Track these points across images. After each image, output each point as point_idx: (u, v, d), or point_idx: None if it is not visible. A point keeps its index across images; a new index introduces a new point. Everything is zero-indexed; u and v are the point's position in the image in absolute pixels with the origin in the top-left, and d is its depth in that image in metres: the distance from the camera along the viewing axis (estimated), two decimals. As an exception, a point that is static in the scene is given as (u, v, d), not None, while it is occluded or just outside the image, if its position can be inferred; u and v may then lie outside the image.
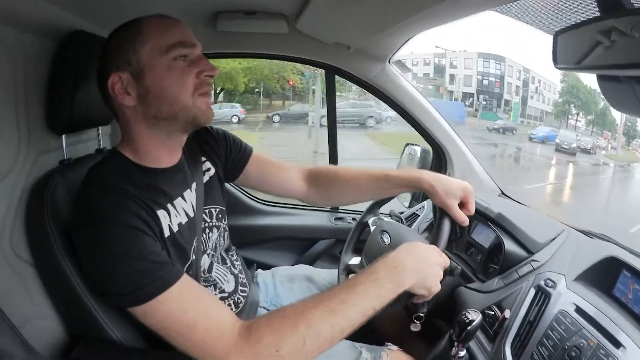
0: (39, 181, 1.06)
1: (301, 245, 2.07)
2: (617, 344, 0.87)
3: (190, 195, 1.10)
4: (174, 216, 1.01)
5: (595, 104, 25.83)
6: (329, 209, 2.20)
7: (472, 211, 1.18)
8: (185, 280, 0.89)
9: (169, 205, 1.00)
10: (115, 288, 0.86)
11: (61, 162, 1.17)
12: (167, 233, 0.97)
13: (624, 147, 23.98)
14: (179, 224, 1.02)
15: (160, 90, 0.94)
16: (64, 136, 1.17)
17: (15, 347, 0.83)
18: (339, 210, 2.19)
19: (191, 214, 1.08)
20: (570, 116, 28.44)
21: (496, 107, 28.20)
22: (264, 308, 1.39)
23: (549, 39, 0.86)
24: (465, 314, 0.99)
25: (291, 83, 20.05)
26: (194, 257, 1.06)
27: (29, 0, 0.97)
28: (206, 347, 0.84)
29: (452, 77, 29.09)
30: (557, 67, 0.87)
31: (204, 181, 1.19)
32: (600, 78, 0.83)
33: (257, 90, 20.10)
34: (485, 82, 28.46)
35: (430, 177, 1.19)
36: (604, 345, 0.87)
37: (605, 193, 14.78)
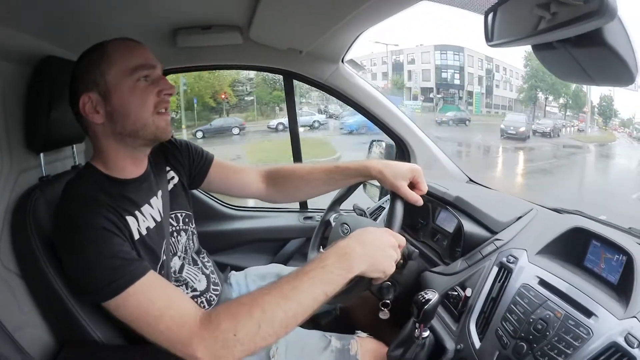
0: (21, 197, 1.12)
1: (273, 246, 2.10)
2: (588, 313, 0.88)
3: (157, 201, 1.17)
4: (142, 221, 1.07)
5: (566, 86, 25.53)
6: (298, 209, 2.23)
7: (424, 190, 1.20)
8: (152, 275, 0.96)
9: (136, 212, 1.07)
10: (91, 285, 0.92)
11: (40, 179, 1.23)
12: (136, 236, 1.04)
13: (602, 127, 23.85)
14: (147, 228, 1.08)
15: (124, 109, 1.02)
16: (42, 155, 1.24)
17: (11, 352, 0.90)
18: (308, 210, 2.22)
19: (158, 219, 1.14)
20: (543, 102, 28.32)
21: (458, 100, 27.75)
22: None
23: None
24: (422, 294, 1.01)
25: (223, 97, 20.47)
26: (164, 257, 1.12)
27: (3, 30, 1.04)
28: (172, 335, 0.89)
29: (410, 73, 28.48)
30: (489, 45, 0.89)
31: (169, 189, 1.25)
32: (536, 48, 0.85)
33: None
34: (445, 74, 27.86)
35: (379, 164, 1.23)
36: (573, 316, 0.88)
37: (560, 178, 13.51)
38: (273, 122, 19.31)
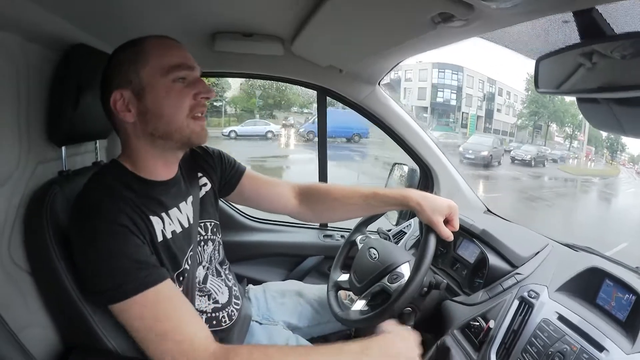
0: (38, 190, 1.08)
1: (291, 262, 2.09)
2: (600, 347, 0.92)
3: (186, 207, 1.14)
4: (167, 224, 1.05)
5: (572, 116, 24.65)
6: (317, 227, 2.23)
7: (457, 227, 1.24)
8: (167, 286, 0.92)
9: (163, 214, 1.04)
10: (98, 284, 0.89)
11: (60, 173, 1.19)
12: (159, 238, 1.01)
13: (609, 162, 22.80)
14: (173, 232, 1.06)
15: (158, 109, 0.98)
16: (63, 147, 1.20)
17: (15, 353, 0.84)
18: (328, 228, 2.23)
19: (186, 225, 1.12)
20: (545, 129, 27.07)
21: (453, 122, 26.95)
22: (257, 322, 1.41)
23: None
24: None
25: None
26: (187, 266, 1.09)
27: (35, 10, 0.99)
28: (175, 359, 0.85)
29: (405, 90, 27.60)
30: (538, 92, 0.94)
31: (200, 196, 1.23)
32: (580, 100, 0.90)
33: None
34: (441, 94, 26.86)
35: (418, 195, 1.24)
36: (587, 350, 0.93)
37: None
38: (226, 130, 19.81)
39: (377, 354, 0.92)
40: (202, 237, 1.20)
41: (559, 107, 25.76)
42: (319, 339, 1.56)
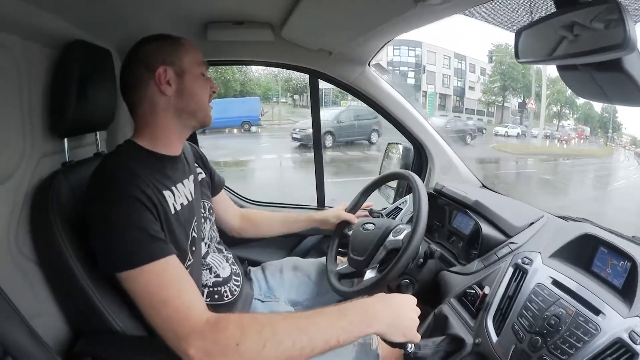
0: (43, 181, 1.12)
1: (290, 242, 2.11)
2: (596, 311, 0.95)
3: (189, 183, 1.24)
4: (177, 197, 1.13)
5: (559, 92, 22.46)
6: (315, 207, 2.26)
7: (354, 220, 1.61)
8: (172, 260, 0.98)
9: (173, 188, 1.13)
10: (110, 253, 0.95)
11: (63, 164, 1.22)
12: (172, 211, 1.08)
13: (609, 143, 21.08)
14: (181, 204, 1.14)
15: (193, 90, 1.15)
16: (66, 139, 1.24)
17: (27, 340, 0.85)
18: (326, 208, 2.23)
19: (190, 199, 1.20)
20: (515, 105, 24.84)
21: (414, 102, 25.63)
22: (259, 300, 1.48)
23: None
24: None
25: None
26: (194, 234, 1.19)
27: (32, 10, 1.03)
28: (172, 324, 0.90)
29: None
30: (519, 61, 0.97)
31: (199, 179, 1.33)
32: (561, 68, 0.92)
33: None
34: (397, 72, 24.53)
35: (320, 214, 1.69)
36: (583, 313, 0.95)
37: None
38: None
39: (355, 314, 0.96)
40: (201, 214, 1.28)
41: (530, 81, 23.85)
42: None
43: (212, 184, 1.50)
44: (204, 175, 1.41)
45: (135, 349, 1.07)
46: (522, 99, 24.51)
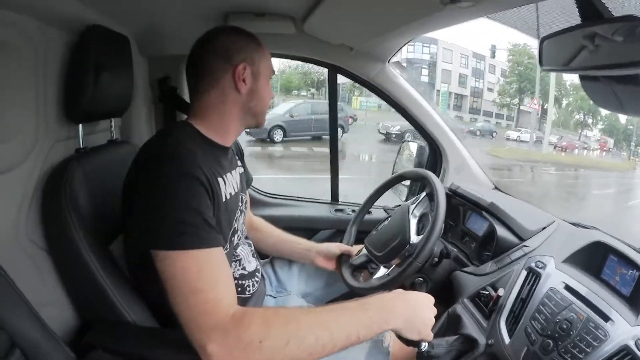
0: (56, 167, 1.11)
1: (302, 236, 2.03)
2: (605, 318, 0.95)
3: (236, 174, 1.25)
4: (228, 186, 1.13)
5: (582, 98, 20.75)
6: (329, 201, 2.26)
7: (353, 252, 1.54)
8: (218, 252, 0.94)
9: (224, 176, 1.13)
10: (159, 228, 0.90)
11: (77, 151, 1.22)
12: (223, 199, 1.07)
13: (632, 158, 19.39)
14: (230, 194, 1.14)
15: (263, 94, 1.18)
16: (80, 125, 1.23)
17: (35, 329, 0.84)
18: (339, 203, 2.25)
19: (236, 189, 1.22)
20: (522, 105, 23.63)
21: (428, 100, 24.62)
22: (271, 296, 1.49)
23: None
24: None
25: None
26: (236, 226, 1.21)
27: None
28: (197, 315, 0.86)
29: None
30: (542, 69, 0.98)
31: (240, 172, 1.33)
32: (582, 78, 0.93)
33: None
34: (410, 70, 23.62)
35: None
36: (593, 319, 0.96)
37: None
38: None
39: (375, 309, 0.96)
40: (239, 207, 1.26)
41: (547, 83, 22.54)
42: (331, 302, 1.60)
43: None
44: (242, 170, 1.40)
45: (147, 340, 1.05)
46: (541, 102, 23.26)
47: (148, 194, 0.94)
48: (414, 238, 1.33)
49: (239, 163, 1.38)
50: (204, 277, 0.89)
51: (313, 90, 26.24)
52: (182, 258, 0.89)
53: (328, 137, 2.21)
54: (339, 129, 13.80)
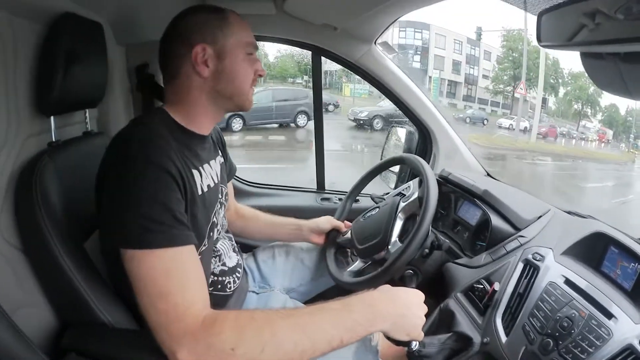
0: (27, 163, 1.05)
1: None
2: (608, 315, 0.90)
3: (215, 165, 1.19)
4: (204, 177, 1.07)
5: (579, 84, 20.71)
6: (315, 190, 2.22)
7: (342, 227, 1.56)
8: (188, 250, 0.88)
9: (200, 168, 1.07)
10: (125, 225, 0.84)
11: (49, 144, 1.15)
12: (199, 192, 1.01)
13: (632, 150, 19.06)
14: (208, 186, 1.08)
15: (233, 74, 1.07)
16: (52, 118, 1.16)
17: (7, 334, 0.81)
18: (325, 191, 2.21)
19: (215, 181, 1.15)
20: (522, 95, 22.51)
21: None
22: (254, 292, 1.43)
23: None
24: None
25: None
26: (215, 220, 1.14)
27: None
28: (166, 321, 0.82)
29: None
30: (541, 45, 0.90)
31: (221, 162, 1.27)
32: (584, 56, 0.86)
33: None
34: (401, 55, 22.86)
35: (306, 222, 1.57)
36: (596, 316, 0.91)
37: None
38: None
39: (360, 311, 0.90)
40: (219, 199, 1.20)
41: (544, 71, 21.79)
42: (317, 298, 1.58)
43: (227, 171, 1.40)
44: (222, 160, 1.32)
45: (125, 343, 1.01)
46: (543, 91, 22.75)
47: (115, 188, 0.88)
48: (393, 244, 1.30)
49: (220, 152, 1.32)
50: (173, 278, 0.84)
51: (306, 77, 25.82)
52: (148, 258, 0.83)
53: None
54: (304, 116, 14.06)
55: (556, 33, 0.86)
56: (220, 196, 1.20)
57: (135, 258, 0.84)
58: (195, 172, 1.01)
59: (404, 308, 0.96)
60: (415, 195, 1.35)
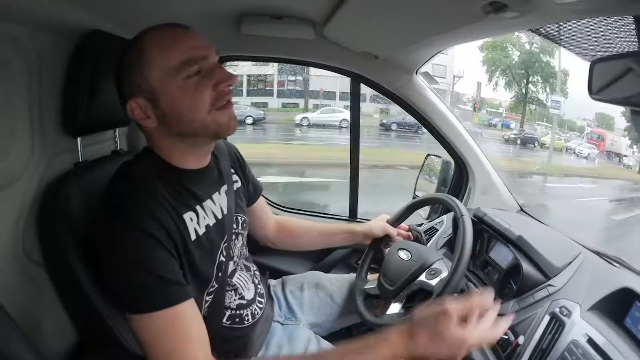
0: (52, 183, 1.06)
1: (316, 253, 1.99)
2: None
3: (219, 198, 1.11)
4: (202, 218, 1.01)
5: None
6: (346, 218, 2.17)
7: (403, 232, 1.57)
8: (186, 307, 0.89)
9: (197, 207, 1.01)
10: (117, 291, 0.88)
11: (76, 165, 1.15)
12: (193, 237, 0.97)
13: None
14: (207, 226, 1.03)
15: (176, 112, 0.93)
16: (79, 138, 1.16)
17: (24, 351, 0.81)
18: (357, 220, 2.15)
19: (219, 216, 1.08)
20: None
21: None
22: (279, 322, 1.41)
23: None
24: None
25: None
26: (222, 258, 1.07)
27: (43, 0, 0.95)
28: None
29: None
30: (592, 97, 0.86)
31: (234, 188, 1.21)
32: (635, 113, 0.83)
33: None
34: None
35: (363, 226, 1.54)
36: None
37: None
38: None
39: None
40: (234, 230, 1.17)
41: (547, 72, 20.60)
42: (342, 332, 1.56)
43: (249, 193, 1.36)
44: (239, 183, 1.26)
45: None
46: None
47: (102, 254, 0.89)
48: (428, 284, 1.28)
49: (235, 178, 1.25)
50: (174, 335, 0.86)
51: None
52: (143, 321, 0.85)
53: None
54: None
55: (609, 86, 0.82)
56: (235, 227, 1.17)
57: (133, 320, 0.86)
58: (187, 215, 0.97)
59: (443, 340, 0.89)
60: (440, 277, 1.30)
